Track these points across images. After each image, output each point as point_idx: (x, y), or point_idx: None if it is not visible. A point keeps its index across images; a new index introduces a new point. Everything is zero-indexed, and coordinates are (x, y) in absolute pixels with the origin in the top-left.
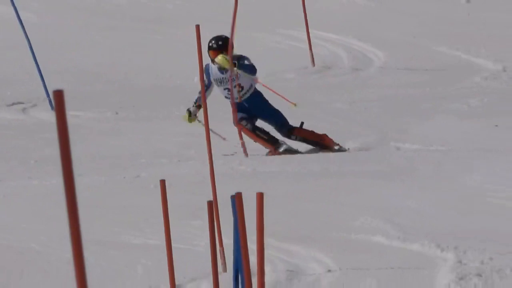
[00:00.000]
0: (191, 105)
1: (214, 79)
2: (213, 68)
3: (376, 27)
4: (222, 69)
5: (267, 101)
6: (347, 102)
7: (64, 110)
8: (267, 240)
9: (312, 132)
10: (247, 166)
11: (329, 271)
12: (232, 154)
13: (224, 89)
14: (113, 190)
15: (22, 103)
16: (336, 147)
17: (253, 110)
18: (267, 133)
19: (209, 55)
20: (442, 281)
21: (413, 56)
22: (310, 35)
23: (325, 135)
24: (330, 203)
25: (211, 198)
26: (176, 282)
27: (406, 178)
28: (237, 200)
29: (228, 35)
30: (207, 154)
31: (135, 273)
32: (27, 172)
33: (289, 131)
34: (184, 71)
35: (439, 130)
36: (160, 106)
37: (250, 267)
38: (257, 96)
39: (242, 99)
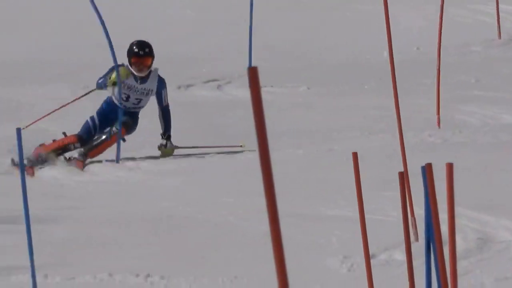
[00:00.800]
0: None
1: (124, 81)
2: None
3: None
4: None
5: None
6: None
7: (258, 86)
8: (457, 209)
9: (108, 146)
10: (437, 137)
11: None
12: None
13: (124, 93)
14: (307, 164)
15: (217, 80)
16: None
17: (114, 120)
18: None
19: (129, 60)
20: None
21: None
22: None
23: (98, 153)
24: None
25: (402, 170)
26: (370, 252)
27: None
28: (427, 171)
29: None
30: (397, 127)
31: (330, 243)
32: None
33: (125, 123)
34: (373, 46)
35: None
36: (350, 81)
37: (442, 236)
38: (135, 114)
39: (126, 109)
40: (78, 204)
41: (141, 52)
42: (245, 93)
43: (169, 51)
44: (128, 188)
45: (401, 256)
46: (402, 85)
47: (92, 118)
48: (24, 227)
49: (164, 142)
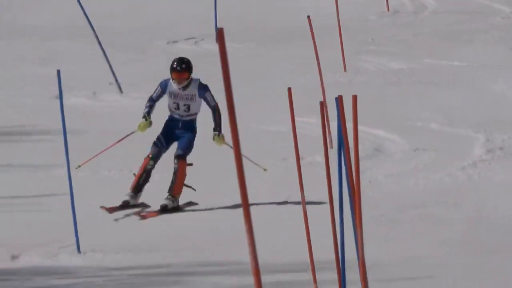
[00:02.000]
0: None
1: (170, 91)
2: (172, 84)
3: None
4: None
5: (193, 132)
6: (410, 34)
7: (224, 42)
8: (360, 126)
9: (182, 177)
10: (345, 78)
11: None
12: None
13: (174, 102)
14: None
15: (194, 38)
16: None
17: (177, 132)
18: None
19: (170, 74)
20: (476, 152)
21: (454, 2)
22: None
23: (180, 187)
24: (406, 103)
25: (322, 99)
26: (300, 155)
27: (453, 86)
28: (339, 101)
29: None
30: (317, 70)
31: (273, 149)
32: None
33: (179, 156)
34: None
35: (475, 52)
36: (284, 39)
37: (349, 145)
38: (191, 123)
39: (183, 118)
40: None
41: (178, 68)
42: (214, 47)
43: (153, 15)
44: None
45: (321, 158)
46: (321, 42)
47: (157, 136)
48: None
49: (216, 133)
